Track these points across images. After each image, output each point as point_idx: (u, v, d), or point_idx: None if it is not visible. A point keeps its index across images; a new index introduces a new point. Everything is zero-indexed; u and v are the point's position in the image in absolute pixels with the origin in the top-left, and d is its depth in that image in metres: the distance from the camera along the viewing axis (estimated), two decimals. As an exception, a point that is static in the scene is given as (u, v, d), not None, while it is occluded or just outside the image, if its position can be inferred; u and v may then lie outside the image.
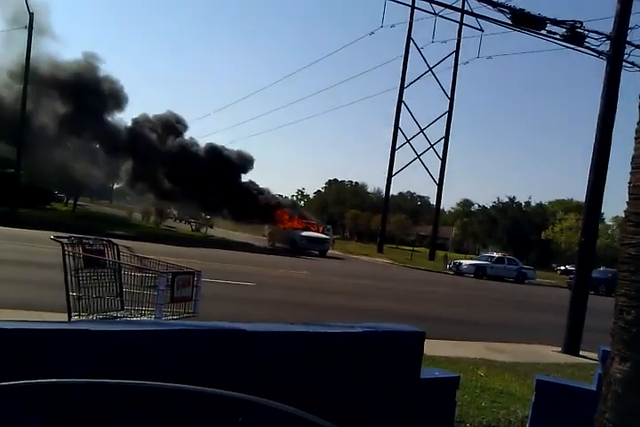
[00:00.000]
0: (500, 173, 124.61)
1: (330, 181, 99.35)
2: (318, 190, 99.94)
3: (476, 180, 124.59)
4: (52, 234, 5.27)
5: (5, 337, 2.19)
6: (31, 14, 25.93)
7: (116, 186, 38.88)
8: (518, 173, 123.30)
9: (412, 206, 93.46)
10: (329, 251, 33.26)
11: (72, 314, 4.74)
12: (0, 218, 22.59)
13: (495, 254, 34.78)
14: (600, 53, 9.87)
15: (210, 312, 5.53)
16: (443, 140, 48.30)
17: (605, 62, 9.60)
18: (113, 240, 5.54)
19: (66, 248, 4.90)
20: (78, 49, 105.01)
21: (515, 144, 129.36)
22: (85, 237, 5.37)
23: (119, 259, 5.30)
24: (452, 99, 48.28)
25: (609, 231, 55.18)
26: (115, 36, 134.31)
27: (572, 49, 10.50)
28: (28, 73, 26.09)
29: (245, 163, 36.43)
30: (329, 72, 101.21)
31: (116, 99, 33.08)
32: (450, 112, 48.36)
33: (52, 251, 5.93)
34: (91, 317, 4.76)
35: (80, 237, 5.25)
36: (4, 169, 28.77)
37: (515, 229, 68.67)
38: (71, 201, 44.18)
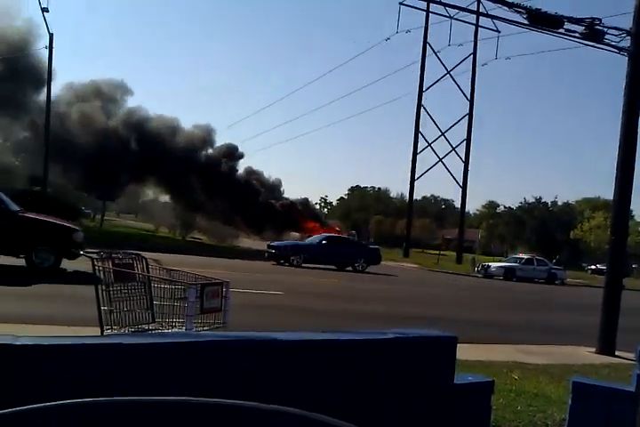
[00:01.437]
0: (525, 174, 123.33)
1: (352, 187, 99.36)
2: (341, 197, 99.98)
3: (501, 181, 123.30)
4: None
5: (43, 352, 2.23)
6: (51, 35, 26.52)
7: (141, 200, 39.16)
8: (544, 172, 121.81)
9: (437, 210, 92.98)
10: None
11: (104, 328, 4.81)
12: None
13: (524, 256, 34.36)
14: (621, 50, 9.73)
15: (240, 322, 5.56)
16: (464, 143, 48.06)
17: (627, 58, 9.47)
18: (141, 253, 5.63)
19: (96, 263, 4.99)
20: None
21: (538, 143, 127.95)
22: (115, 251, 5.47)
23: (148, 272, 5.37)
24: (471, 101, 48.08)
25: (639, 229, 54.13)
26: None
27: (592, 46, 10.37)
28: (50, 90, 26.67)
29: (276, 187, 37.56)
30: (347, 80, 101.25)
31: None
32: (470, 114, 48.14)
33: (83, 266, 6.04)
34: (123, 330, 4.82)
35: (109, 251, 5.35)
36: (32, 187, 29.36)
37: (542, 230, 67.87)
38: (98, 216, 44.82)
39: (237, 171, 37.29)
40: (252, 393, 2.41)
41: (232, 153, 37.21)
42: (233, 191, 33.48)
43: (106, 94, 34.45)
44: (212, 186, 33.13)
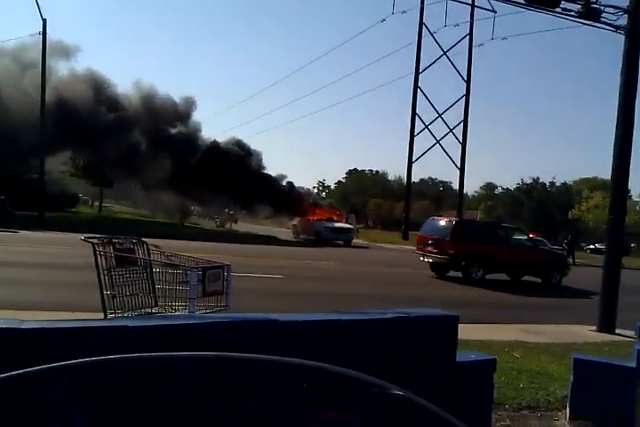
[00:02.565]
0: (523, 154, 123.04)
1: (350, 170, 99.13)
2: (339, 181, 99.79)
3: (499, 162, 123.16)
4: (80, 236, 5.36)
5: (48, 335, 2.24)
6: (44, 20, 26.16)
7: (136, 186, 38.96)
8: (541, 153, 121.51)
9: (435, 192, 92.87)
10: (353, 240, 33.27)
11: (108, 312, 4.83)
12: (29, 223, 23.04)
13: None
14: (618, 28, 9.64)
15: (242, 306, 5.58)
16: (462, 124, 47.86)
17: (624, 37, 9.39)
18: (142, 239, 5.63)
19: (97, 248, 4.99)
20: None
21: (536, 124, 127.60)
22: (115, 236, 5.47)
23: (149, 256, 5.37)
24: (468, 82, 47.73)
25: (637, 208, 54.22)
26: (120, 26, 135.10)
27: (589, 25, 10.26)
28: (44, 80, 26.37)
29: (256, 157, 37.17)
30: (342, 62, 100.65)
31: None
32: (467, 95, 47.82)
33: (83, 253, 6.03)
34: (126, 314, 4.84)
35: (110, 237, 5.34)
36: (29, 175, 29.26)
37: (541, 211, 67.88)
38: (96, 203, 44.78)
39: (250, 162, 36.80)
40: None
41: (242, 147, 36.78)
42: (236, 177, 33.18)
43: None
44: (213, 171, 32.79)
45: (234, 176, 32.77)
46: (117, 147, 31.11)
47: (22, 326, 2.13)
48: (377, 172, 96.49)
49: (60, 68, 33.45)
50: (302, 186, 42.61)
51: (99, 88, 33.01)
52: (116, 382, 0.96)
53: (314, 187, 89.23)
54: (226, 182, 32.66)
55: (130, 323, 2.74)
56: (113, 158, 31.97)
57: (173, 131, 35.81)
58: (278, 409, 1.08)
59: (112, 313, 4.80)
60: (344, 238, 31.91)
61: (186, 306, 4.87)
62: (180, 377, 1.00)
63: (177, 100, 36.39)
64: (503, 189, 79.79)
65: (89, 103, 31.59)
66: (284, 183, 38.37)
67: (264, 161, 38.52)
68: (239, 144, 37.19)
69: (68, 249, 13.20)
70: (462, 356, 4.07)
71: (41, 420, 0.94)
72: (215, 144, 36.35)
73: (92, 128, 29.65)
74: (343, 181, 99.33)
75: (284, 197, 35.82)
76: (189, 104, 36.96)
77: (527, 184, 72.51)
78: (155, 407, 0.99)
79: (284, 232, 35.01)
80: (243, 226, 39.93)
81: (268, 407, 1.08)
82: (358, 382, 0.98)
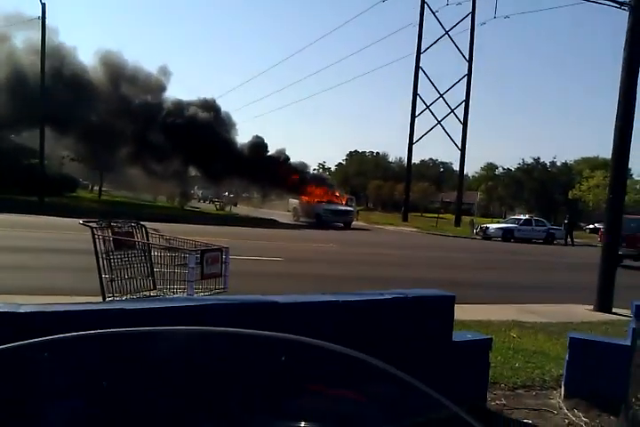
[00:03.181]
0: (524, 134, 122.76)
1: (350, 152, 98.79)
2: (339, 163, 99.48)
3: (500, 142, 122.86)
4: (79, 220, 5.37)
5: (45, 318, 2.26)
6: (43, 4, 25.96)
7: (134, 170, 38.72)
8: (542, 132, 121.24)
9: (435, 173, 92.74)
10: (353, 222, 33.32)
11: (106, 296, 4.87)
12: (28, 207, 23.06)
13: (522, 217, 34.45)
14: (622, 4, 9.52)
15: (240, 288, 5.61)
16: (463, 105, 47.56)
17: (628, 13, 9.28)
18: (141, 222, 5.64)
19: (95, 232, 5.01)
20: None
21: (537, 104, 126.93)
22: (113, 220, 5.48)
23: (148, 239, 5.39)
24: (470, 61, 47.33)
25: (637, 187, 54.09)
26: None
27: (593, 1, 10.15)
28: (44, 65, 26.18)
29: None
30: (342, 44, 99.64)
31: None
32: (469, 75, 47.45)
33: (82, 237, 6.04)
34: (124, 297, 4.88)
35: (108, 220, 5.36)
36: (28, 160, 29.22)
37: (541, 191, 67.81)
38: (96, 187, 44.74)
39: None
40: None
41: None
42: (237, 158, 33.06)
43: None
44: (213, 152, 32.58)
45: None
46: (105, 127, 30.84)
47: (20, 310, 2.16)
48: (378, 153, 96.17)
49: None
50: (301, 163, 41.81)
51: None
52: (95, 359, 0.99)
53: (314, 169, 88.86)
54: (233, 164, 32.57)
55: (127, 306, 2.77)
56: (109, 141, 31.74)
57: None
58: (277, 386, 1.10)
59: (110, 297, 4.84)
60: (344, 221, 31.97)
61: (184, 289, 4.91)
62: (167, 352, 1.02)
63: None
64: (504, 169, 79.56)
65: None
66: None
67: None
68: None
69: (67, 233, 13.23)
70: (459, 335, 4.11)
71: (27, 396, 0.96)
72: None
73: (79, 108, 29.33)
74: (344, 163, 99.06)
75: (282, 173, 35.50)
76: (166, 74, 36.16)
77: (528, 164, 72.26)
78: (138, 386, 1.01)
79: (285, 215, 35.04)
80: (243, 209, 39.93)
81: (271, 383, 1.10)
82: (355, 361, 1.00)
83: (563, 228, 32.53)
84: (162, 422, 1.07)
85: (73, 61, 32.43)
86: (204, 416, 1.08)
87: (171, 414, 1.07)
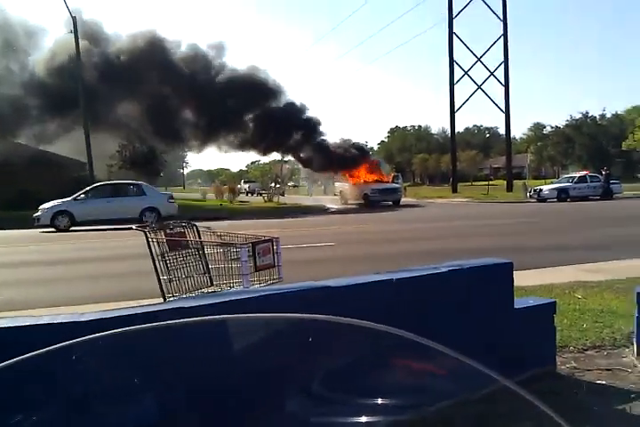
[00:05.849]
0: (569, 90, 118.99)
1: (392, 129, 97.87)
2: (382, 141, 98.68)
3: (544, 101, 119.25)
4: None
5: (107, 324, 2.35)
6: (74, 18, 26.62)
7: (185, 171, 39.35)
8: (587, 85, 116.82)
9: (481, 140, 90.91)
10: (402, 199, 33.06)
11: (166, 296, 5.02)
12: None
13: (576, 174, 33.40)
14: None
15: (295, 276, 5.66)
16: (502, 66, 46.24)
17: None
18: (191, 221, 5.78)
19: (149, 235, 5.15)
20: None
21: (577, 56, 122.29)
22: (165, 222, 5.63)
23: (200, 238, 5.51)
24: (504, 21, 45.92)
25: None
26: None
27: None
28: (80, 71, 26.93)
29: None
30: (375, 20, 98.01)
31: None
32: (505, 35, 46.08)
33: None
34: (184, 296, 5.01)
35: (160, 223, 5.51)
36: (79, 173, 30.18)
37: (593, 146, 65.49)
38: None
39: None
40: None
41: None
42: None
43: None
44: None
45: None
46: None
47: (81, 319, 2.24)
48: (419, 127, 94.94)
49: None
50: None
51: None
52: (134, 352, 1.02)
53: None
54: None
55: (185, 304, 2.84)
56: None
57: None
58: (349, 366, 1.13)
59: (170, 297, 4.98)
60: (392, 199, 31.76)
61: (240, 282, 5.00)
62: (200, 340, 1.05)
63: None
64: (552, 127, 77.06)
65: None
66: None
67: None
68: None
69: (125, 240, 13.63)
70: (521, 302, 4.04)
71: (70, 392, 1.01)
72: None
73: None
74: (386, 140, 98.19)
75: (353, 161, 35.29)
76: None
77: (576, 120, 69.82)
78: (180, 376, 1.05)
79: (333, 199, 35.06)
80: (290, 198, 40.17)
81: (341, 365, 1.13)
82: (399, 339, 1.01)
83: (602, 180, 31.25)
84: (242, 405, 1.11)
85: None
86: (286, 397, 1.12)
87: (250, 399, 1.10)
